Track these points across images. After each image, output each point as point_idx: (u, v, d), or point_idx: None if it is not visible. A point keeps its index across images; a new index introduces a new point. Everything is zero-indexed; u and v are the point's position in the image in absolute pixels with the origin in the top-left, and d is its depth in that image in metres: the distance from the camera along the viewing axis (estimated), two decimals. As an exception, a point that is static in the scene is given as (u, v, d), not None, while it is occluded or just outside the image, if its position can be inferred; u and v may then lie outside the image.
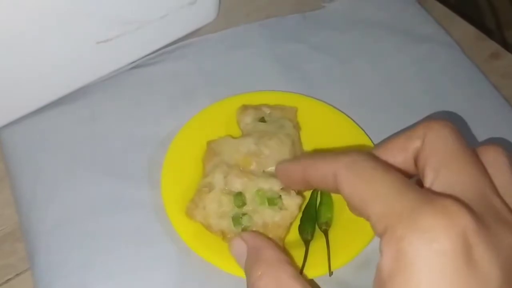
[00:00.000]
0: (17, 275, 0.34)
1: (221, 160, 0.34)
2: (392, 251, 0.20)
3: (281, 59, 0.43)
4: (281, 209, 0.32)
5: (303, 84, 0.41)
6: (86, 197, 0.35)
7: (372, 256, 0.32)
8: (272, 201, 0.32)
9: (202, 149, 0.36)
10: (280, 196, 0.32)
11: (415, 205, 0.21)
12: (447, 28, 0.47)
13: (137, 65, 0.42)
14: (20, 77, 0.36)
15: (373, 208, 0.22)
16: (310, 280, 0.31)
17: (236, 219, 0.32)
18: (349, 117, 0.38)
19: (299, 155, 0.36)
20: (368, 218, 0.22)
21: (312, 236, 0.33)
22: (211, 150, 0.35)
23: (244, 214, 0.32)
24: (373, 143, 0.37)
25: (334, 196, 0.34)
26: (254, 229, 0.32)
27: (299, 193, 0.33)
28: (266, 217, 0.32)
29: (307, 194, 0.35)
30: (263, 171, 0.34)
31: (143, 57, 0.42)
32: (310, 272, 0.31)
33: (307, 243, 0.32)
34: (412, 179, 0.25)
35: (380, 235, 0.21)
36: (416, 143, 0.25)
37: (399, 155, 0.26)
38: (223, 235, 0.32)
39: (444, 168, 0.23)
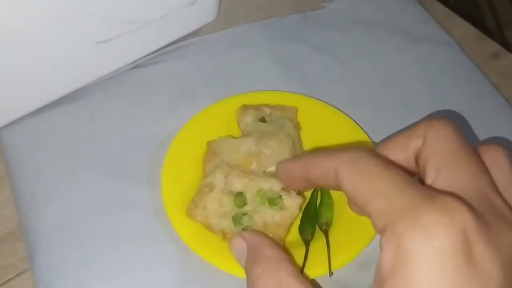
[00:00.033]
0: (17, 275, 0.34)
1: (222, 160, 0.34)
2: (392, 247, 0.20)
3: (281, 59, 0.43)
4: (281, 209, 0.32)
5: (303, 84, 0.41)
6: (86, 197, 0.35)
7: (372, 257, 0.32)
8: (273, 201, 0.32)
9: (202, 149, 0.36)
10: (281, 196, 0.32)
11: (416, 202, 0.21)
12: (447, 28, 0.47)
13: (137, 65, 0.42)
14: (20, 77, 0.36)
15: (374, 205, 0.22)
16: (311, 280, 0.31)
17: (236, 219, 0.32)
18: (349, 117, 0.38)
19: (299, 154, 0.36)
20: (368, 215, 0.22)
21: (312, 236, 0.33)
22: (211, 150, 0.35)
23: (244, 214, 0.32)
24: (374, 143, 0.37)
25: (335, 196, 0.34)
26: (254, 229, 0.32)
27: (300, 193, 0.33)
28: (266, 217, 0.32)
29: (308, 194, 0.35)
30: (264, 171, 0.34)
31: (143, 57, 0.42)
32: (311, 272, 0.31)
33: (307, 243, 0.32)
34: (414, 177, 0.25)
35: (381, 231, 0.21)
36: (417, 142, 0.25)
37: (400, 154, 0.26)
38: (224, 235, 0.32)
39: (445, 167, 0.23)
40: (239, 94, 0.39)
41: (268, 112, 0.38)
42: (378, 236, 0.22)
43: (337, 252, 0.32)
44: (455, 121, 0.25)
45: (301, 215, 0.33)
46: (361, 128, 0.38)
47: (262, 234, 0.31)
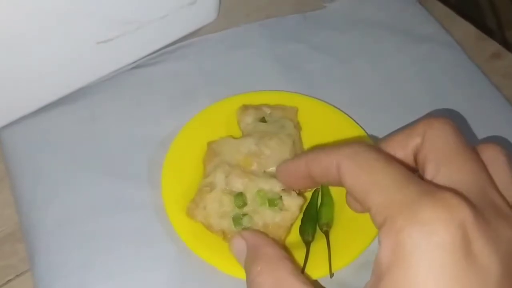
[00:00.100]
0: (18, 276, 0.34)
1: (222, 161, 0.34)
2: (391, 242, 0.20)
3: (281, 59, 0.43)
4: (281, 210, 0.32)
5: (303, 84, 0.41)
6: (86, 197, 0.35)
7: (373, 257, 0.32)
8: (273, 202, 0.32)
9: (203, 149, 0.36)
10: (281, 197, 0.32)
11: (416, 197, 0.21)
12: (448, 28, 0.47)
13: (137, 65, 0.42)
14: (20, 77, 0.36)
15: (374, 199, 0.22)
16: (314, 281, 0.31)
17: (236, 220, 0.32)
18: (350, 117, 0.38)
19: (300, 153, 0.35)
20: (368, 209, 0.22)
21: (313, 237, 0.32)
22: (212, 150, 0.35)
23: (244, 215, 0.32)
24: (374, 143, 0.37)
25: (335, 197, 0.34)
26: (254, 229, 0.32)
27: (300, 194, 0.33)
28: (266, 217, 0.32)
29: (308, 195, 0.34)
30: (264, 171, 0.34)
31: (143, 57, 0.42)
32: (311, 273, 0.31)
33: (308, 244, 0.32)
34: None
35: (380, 226, 0.21)
36: (416, 140, 0.25)
37: (399, 152, 0.26)
38: (224, 235, 0.32)
39: (445, 164, 0.23)
40: (239, 94, 0.39)
41: (269, 112, 0.38)
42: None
43: (338, 253, 0.32)
44: (455, 120, 0.25)
45: (301, 216, 0.33)
46: (362, 128, 0.38)
47: (262, 233, 0.31)
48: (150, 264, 0.32)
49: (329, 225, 0.33)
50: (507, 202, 0.23)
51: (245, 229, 0.32)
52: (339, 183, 0.25)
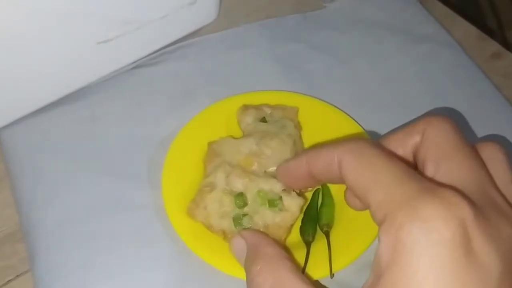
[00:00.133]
0: (18, 276, 0.34)
1: (222, 161, 0.34)
2: (391, 239, 0.20)
3: (281, 59, 0.43)
4: (281, 210, 0.32)
5: (303, 84, 0.41)
6: (86, 197, 0.35)
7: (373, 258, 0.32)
8: (272, 202, 0.32)
9: (203, 149, 0.36)
10: (281, 197, 0.32)
11: (416, 194, 0.21)
12: (448, 28, 0.47)
13: (137, 65, 0.42)
14: (20, 77, 0.36)
15: (374, 196, 0.22)
16: (315, 281, 0.31)
17: (237, 220, 0.32)
18: (350, 116, 0.38)
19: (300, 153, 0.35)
20: (368, 206, 0.22)
21: (313, 237, 0.32)
22: (212, 150, 0.35)
23: (245, 215, 0.32)
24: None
25: (336, 197, 0.34)
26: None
27: (301, 194, 0.33)
28: (267, 218, 0.32)
29: (308, 195, 0.34)
30: (265, 171, 0.34)
31: (143, 57, 0.42)
32: (312, 273, 0.31)
33: (308, 244, 0.32)
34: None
35: (380, 223, 0.21)
36: (415, 138, 0.25)
37: (398, 151, 0.26)
38: (224, 235, 0.32)
39: (444, 162, 0.23)
40: (239, 94, 0.39)
41: (269, 112, 0.37)
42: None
43: (338, 253, 0.32)
44: (455, 120, 0.25)
45: (302, 216, 0.33)
46: (362, 127, 0.38)
47: (262, 233, 0.31)
48: (150, 264, 0.32)
49: (329, 225, 0.33)
50: (507, 200, 0.23)
51: (245, 229, 0.32)
52: (340, 180, 0.25)
